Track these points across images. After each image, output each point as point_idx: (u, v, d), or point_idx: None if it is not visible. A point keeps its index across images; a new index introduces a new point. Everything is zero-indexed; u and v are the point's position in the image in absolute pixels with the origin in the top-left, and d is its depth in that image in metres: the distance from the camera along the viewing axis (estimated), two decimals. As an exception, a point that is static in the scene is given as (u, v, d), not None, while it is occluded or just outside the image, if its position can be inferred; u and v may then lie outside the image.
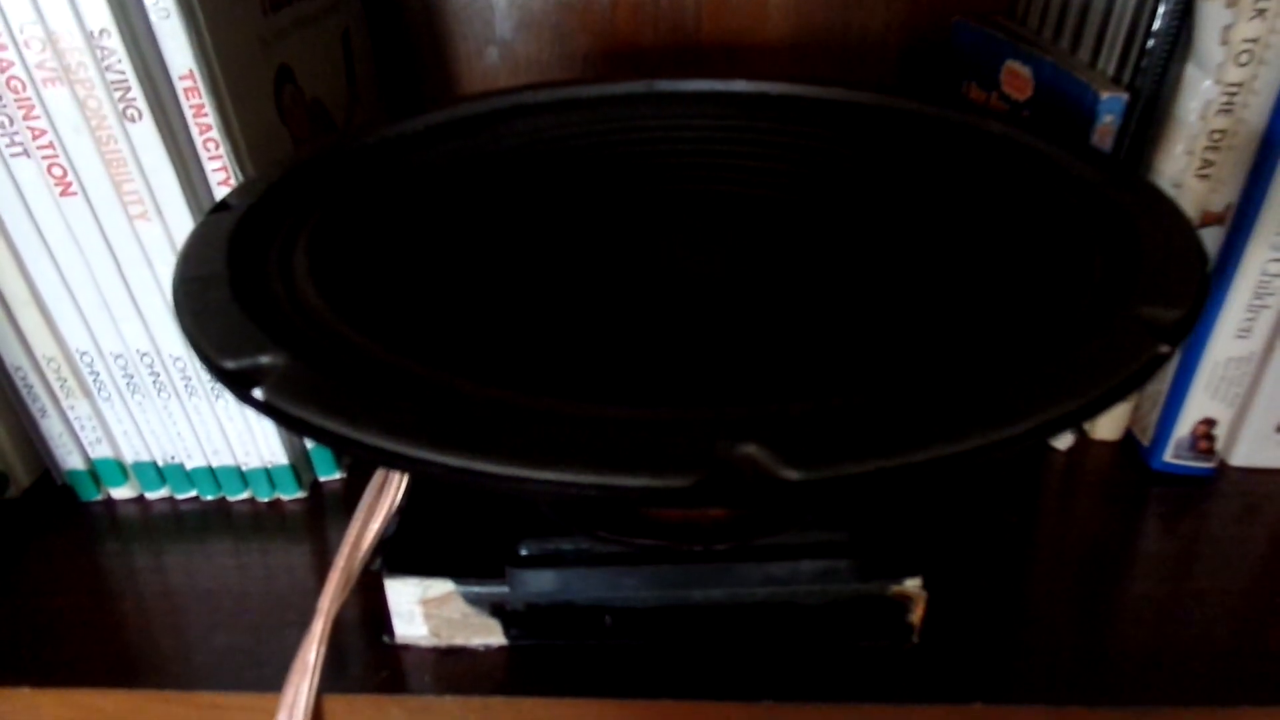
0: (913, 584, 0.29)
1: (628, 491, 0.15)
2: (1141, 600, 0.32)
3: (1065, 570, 0.34)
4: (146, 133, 0.30)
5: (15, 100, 0.29)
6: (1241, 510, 0.37)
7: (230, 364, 0.19)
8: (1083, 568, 0.34)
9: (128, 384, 0.36)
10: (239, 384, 0.18)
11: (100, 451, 0.38)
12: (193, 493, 0.39)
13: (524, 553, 0.29)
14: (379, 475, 0.30)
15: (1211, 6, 0.30)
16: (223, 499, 0.39)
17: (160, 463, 0.38)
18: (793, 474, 0.15)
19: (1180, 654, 0.30)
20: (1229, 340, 0.35)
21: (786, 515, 0.28)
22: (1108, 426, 0.40)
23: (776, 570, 0.29)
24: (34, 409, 0.37)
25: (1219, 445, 0.38)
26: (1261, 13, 0.30)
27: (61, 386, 0.36)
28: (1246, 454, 0.38)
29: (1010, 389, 0.17)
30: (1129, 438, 0.40)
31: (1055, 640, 0.31)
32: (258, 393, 0.18)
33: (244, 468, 0.38)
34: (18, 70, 0.29)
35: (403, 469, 0.16)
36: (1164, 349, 0.18)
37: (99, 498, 0.39)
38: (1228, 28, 0.30)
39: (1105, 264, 0.22)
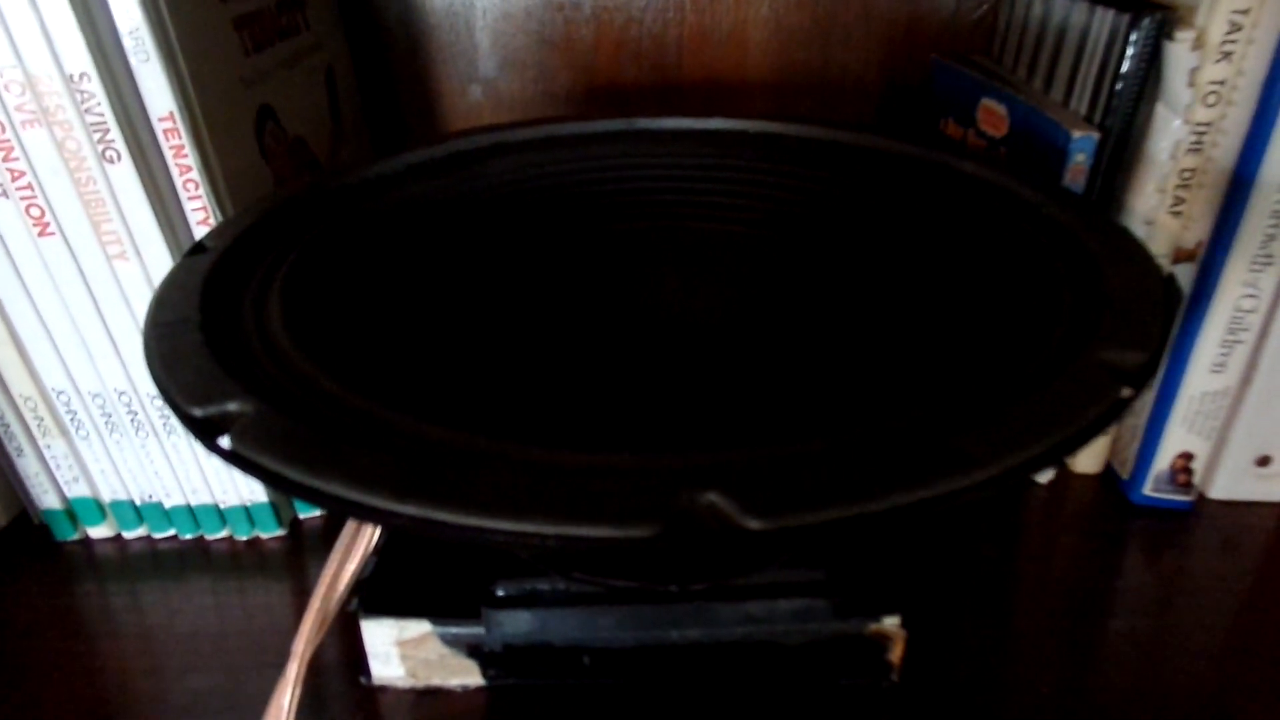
0: (891, 622, 0.29)
1: (589, 542, 0.15)
2: (1122, 635, 0.32)
3: (1046, 605, 0.34)
4: (125, 174, 0.30)
5: (-6, 142, 0.30)
6: (1221, 543, 0.37)
7: (198, 411, 0.19)
8: (1064, 603, 0.34)
9: (105, 423, 0.35)
10: (206, 432, 0.18)
11: (77, 490, 0.37)
12: (171, 531, 0.39)
13: (500, 594, 0.29)
14: (355, 515, 0.30)
15: (1178, 49, 0.31)
16: (201, 537, 0.39)
17: (138, 501, 0.38)
18: (754, 524, 0.15)
19: (1161, 689, 0.30)
20: (1204, 375, 0.35)
21: (762, 555, 0.28)
22: (1088, 460, 0.41)
23: (754, 609, 0.29)
24: (10, 448, 0.36)
25: (1197, 478, 0.38)
26: (1227, 55, 0.31)
27: (38, 426, 0.36)
28: (1225, 487, 0.38)
29: (972, 435, 0.17)
30: (1109, 471, 0.41)
31: (1035, 677, 0.31)
32: (224, 441, 0.18)
33: (222, 506, 0.38)
34: (-4, 112, 0.29)
35: (365, 519, 0.16)
36: (1126, 393, 0.19)
37: (76, 537, 0.39)
38: (1194, 70, 0.31)
39: (1073, 307, 0.23)
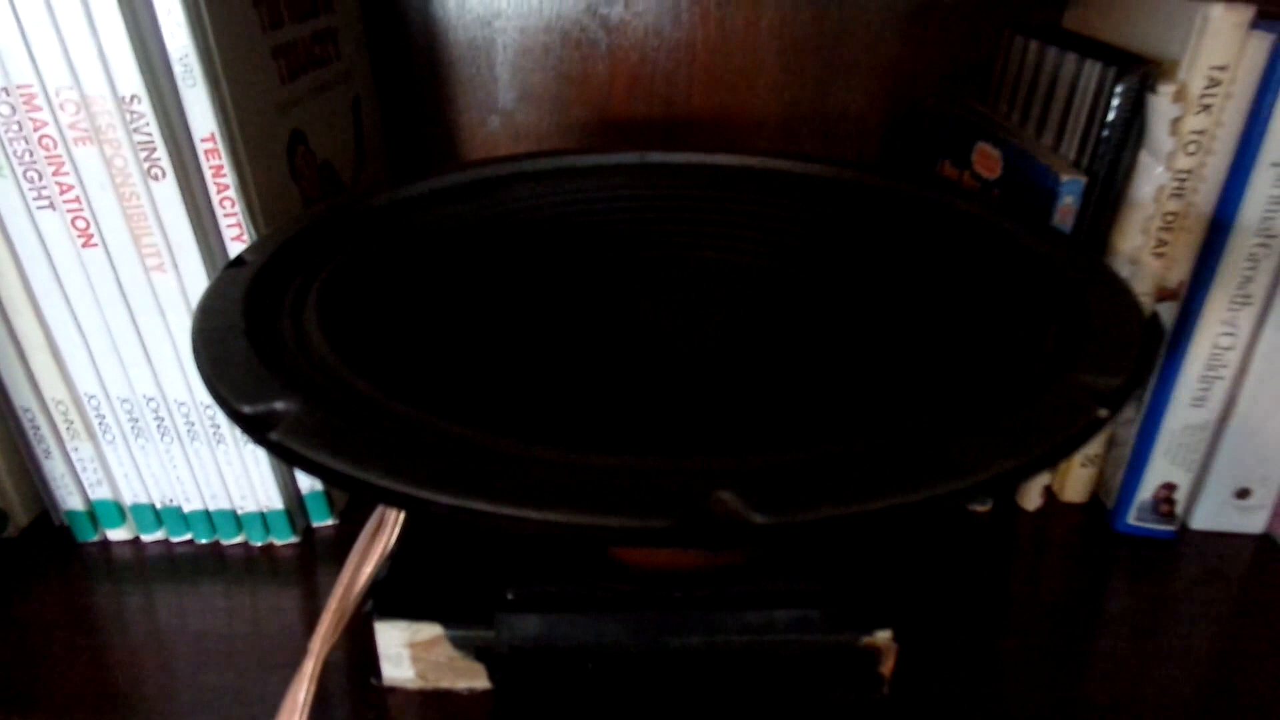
0: (884, 636, 0.30)
1: (612, 532, 0.17)
2: (1107, 657, 0.34)
3: (1033, 626, 0.35)
4: (168, 191, 0.32)
5: (46, 157, 0.31)
6: (1201, 572, 0.38)
7: (247, 409, 0.20)
8: (1050, 624, 0.35)
9: (132, 427, 0.37)
10: (255, 428, 0.20)
11: (100, 493, 0.39)
12: (188, 535, 0.40)
13: (510, 597, 0.30)
14: (374, 519, 0.32)
15: (1160, 101, 0.33)
16: (217, 542, 0.40)
17: (158, 505, 0.39)
18: (761, 519, 0.17)
19: (1143, 709, 0.31)
20: (1185, 409, 0.37)
21: (762, 563, 0.30)
22: (1074, 489, 0.42)
23: (751, 618, 0.30)
24: (38, 450, 0.38)
25: (1179, 509, 0.39)
26: (1207, 107, 0.33)
27: (68, 429, 0.37)
28: (1205, 518, 0.40)
29: (962, 447, 0.19)
30: (1095, 501, 0.42)
31: (1022, 693, 0.32)
32: (273, 436, 0.19)
33: (240, 512, 0.39)
34: (50, 130, 0.31)
35: (404, 508, 0.17)
36: (1102, 413, 0.20)
37: (95, 539, 0.40)
38: (1176, 120, 0.33)
39: (1057, 334, 0.24)
